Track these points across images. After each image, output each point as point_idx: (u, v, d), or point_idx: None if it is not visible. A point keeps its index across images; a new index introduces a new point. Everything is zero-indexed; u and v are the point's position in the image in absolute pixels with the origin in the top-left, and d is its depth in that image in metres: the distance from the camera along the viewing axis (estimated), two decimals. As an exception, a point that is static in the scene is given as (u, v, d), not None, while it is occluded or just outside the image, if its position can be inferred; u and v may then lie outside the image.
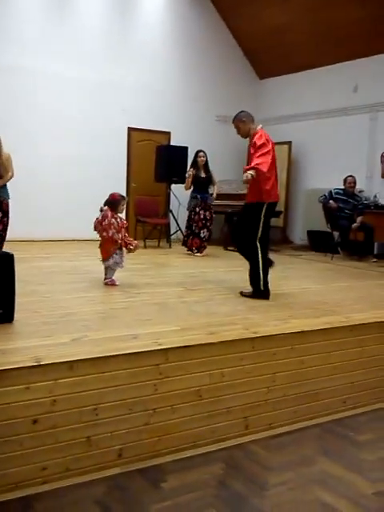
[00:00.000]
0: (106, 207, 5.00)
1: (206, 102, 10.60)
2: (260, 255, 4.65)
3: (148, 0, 9.83)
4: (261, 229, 4.62)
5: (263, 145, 4.51)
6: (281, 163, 10.67)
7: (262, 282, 4.67)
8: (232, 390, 3.26)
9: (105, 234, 4.92)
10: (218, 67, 10.71)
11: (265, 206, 4.59)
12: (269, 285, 4.72)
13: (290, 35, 9.84)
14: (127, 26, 9.66)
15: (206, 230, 8.04)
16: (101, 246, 5.03)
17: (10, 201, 5.80)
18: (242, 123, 4.74)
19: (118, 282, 5.03)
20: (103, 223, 4.93)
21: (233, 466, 2.95)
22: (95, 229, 5.02)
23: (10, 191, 5.83)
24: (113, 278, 5.05)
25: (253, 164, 4.45)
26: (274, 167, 4.65)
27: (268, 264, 4.81)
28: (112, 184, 8.77)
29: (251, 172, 4.40)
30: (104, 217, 4.95)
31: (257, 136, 4.57)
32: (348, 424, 3.61)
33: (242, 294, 4.79)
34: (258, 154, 4.48)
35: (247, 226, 4.71)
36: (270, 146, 4.53)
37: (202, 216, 8.06)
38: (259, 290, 4.68)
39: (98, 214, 5.02)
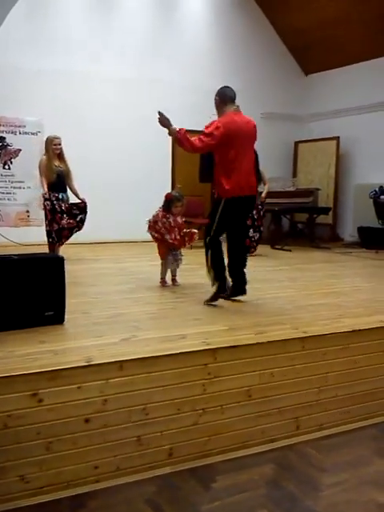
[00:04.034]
0: (160, 208, 5.02)
1: (251, 99, 10.39)
2: (209, 253, 4.30)
3: None
4: (215, 226, 4.26)
5: (210, 126, 4.13)
6: (329, 158, 10.58)
7: (211, 282, 4.35)
8: (282, 390, 3.22)
9: (156, 235, 4.95)
10: (263, 64, 10.60)
11: (223, 202, 4.22)
12: (225, 281, 4.36)
13: (337, 29, 9.62)
14: (171, 24, 9.70)
15: (253, 230, 7.53)
16: (157, 247, 5.07)
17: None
18: (215, 100, 4.45)
19: (170, 283, 5.10)
20: (154, 225, 4.95)
21: (284, 466, 2.91)
22: (148, 230, 5.04)
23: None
24: (165, 278, 5.10)
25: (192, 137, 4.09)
26: (239, 161, 4.18)
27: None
28: (157, 184, 8.88)
29: (173, 128, 4.05)
30: (154, 218, 4.98)
31: (214, 123, 4.15)
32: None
33: (206, 303, 4.30)
34: (201, 134, 4.12)
35: (209, 221, 4.37)
36: (227, 136, 4.09)
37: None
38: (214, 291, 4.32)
39: (147, 215, 5.04)
